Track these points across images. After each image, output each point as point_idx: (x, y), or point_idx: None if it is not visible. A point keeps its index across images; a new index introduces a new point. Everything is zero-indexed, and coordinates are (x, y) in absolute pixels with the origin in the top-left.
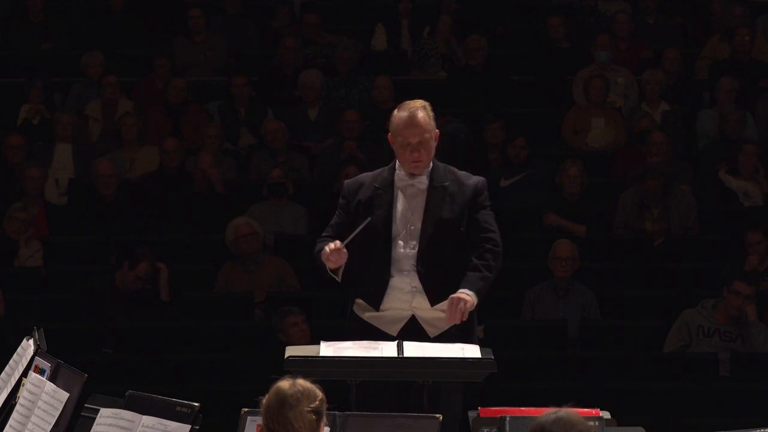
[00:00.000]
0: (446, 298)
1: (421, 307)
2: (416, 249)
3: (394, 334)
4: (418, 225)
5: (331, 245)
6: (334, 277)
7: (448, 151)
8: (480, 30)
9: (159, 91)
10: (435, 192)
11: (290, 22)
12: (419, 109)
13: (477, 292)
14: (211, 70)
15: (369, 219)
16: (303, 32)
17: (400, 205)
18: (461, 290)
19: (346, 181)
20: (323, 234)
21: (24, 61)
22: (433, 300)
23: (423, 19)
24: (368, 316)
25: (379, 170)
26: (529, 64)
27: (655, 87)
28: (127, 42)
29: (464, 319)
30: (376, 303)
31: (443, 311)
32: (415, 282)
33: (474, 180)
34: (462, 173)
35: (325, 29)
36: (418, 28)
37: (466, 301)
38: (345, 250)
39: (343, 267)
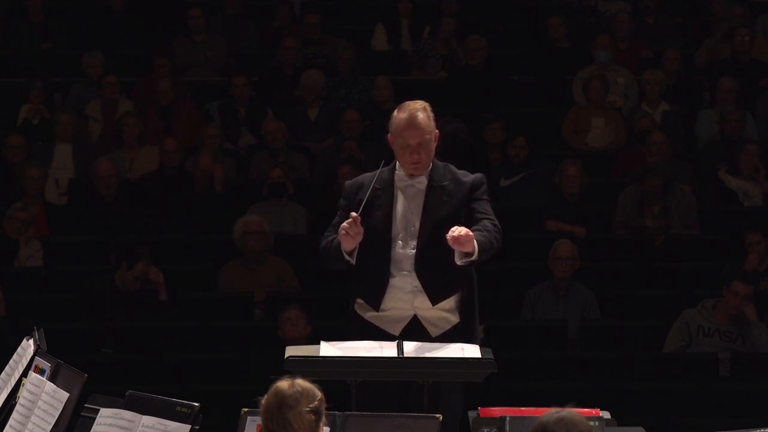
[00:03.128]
0: (447, 298)
1: (422, 306)
2: (416, 249)
3: (396, 333)
4: (417, 225)
5: (348, 221)
6: (350, 260)
7: (449, 151)
8: (480, 30)
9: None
10: (434, 192)
11: (290, 22)
12: (419, 111)
13: (478, 242)
14: (211, 70)
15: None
16: (303, 32)
17: (399, 205)
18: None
19: (347, 182)
20: (325, 233)
21: (24, 61)
22: (434, 300)
23: (423, 19)
24: (370, 315)
25: (379, 170)
26: (529, 64)
27: (655, 87)
28: (127, 42)
29: (461, 237)
30: (376, 303)
31: (445, 310)
32: (416, 282)
33: (471, 177)
34: (460, 172)
35: (325, 29)
36: (418, 28)
37: (468, 232)
38: (361, 226)
39: (357, 249)
